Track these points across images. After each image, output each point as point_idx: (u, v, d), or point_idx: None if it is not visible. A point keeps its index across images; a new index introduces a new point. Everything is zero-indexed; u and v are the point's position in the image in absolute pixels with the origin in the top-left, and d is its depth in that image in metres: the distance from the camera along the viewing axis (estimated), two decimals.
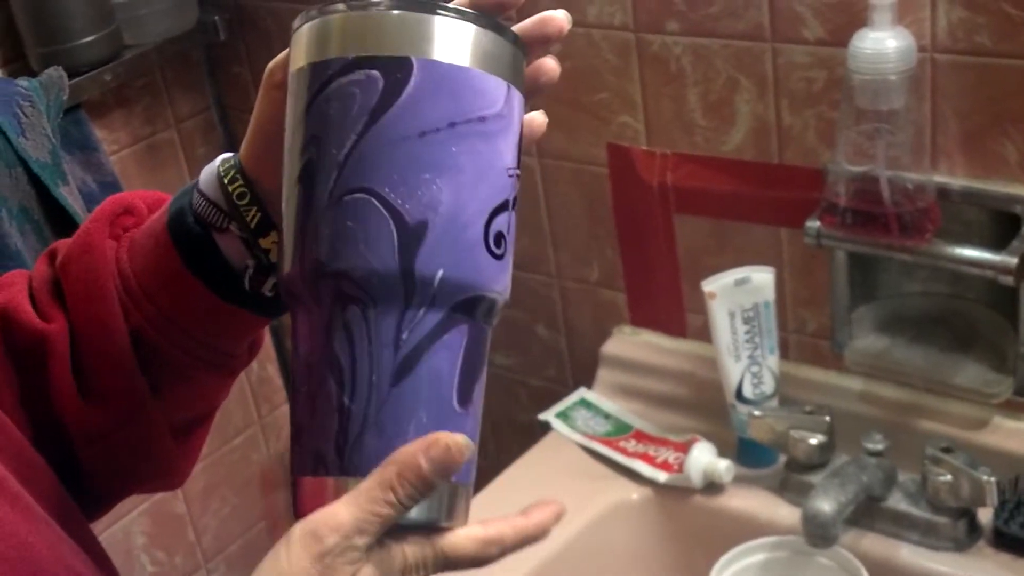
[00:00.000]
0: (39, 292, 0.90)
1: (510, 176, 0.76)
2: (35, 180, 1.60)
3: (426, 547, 0.77)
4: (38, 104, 1.62)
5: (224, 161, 0.87)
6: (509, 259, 0.77)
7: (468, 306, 0.75)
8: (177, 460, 0.96)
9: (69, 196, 1.64)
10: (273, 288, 0.88)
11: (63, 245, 0.92)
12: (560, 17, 0.81)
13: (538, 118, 0.84)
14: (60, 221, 1.64)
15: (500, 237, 0.75)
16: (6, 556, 0.75)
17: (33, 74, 1.68)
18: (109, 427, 0.89)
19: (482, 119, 0.74)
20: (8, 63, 1.76)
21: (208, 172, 0.87)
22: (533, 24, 0.81)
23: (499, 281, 0.76)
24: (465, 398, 0.76)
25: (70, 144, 1.74)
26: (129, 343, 0.88)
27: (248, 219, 0.85)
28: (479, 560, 0.79)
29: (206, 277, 0.87)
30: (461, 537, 0.78)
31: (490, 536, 0.79)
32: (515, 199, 0.77)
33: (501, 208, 0.75)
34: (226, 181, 0.86)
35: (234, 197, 0.85)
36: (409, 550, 0.77)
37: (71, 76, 1.70)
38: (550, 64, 0.82)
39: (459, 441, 0.74)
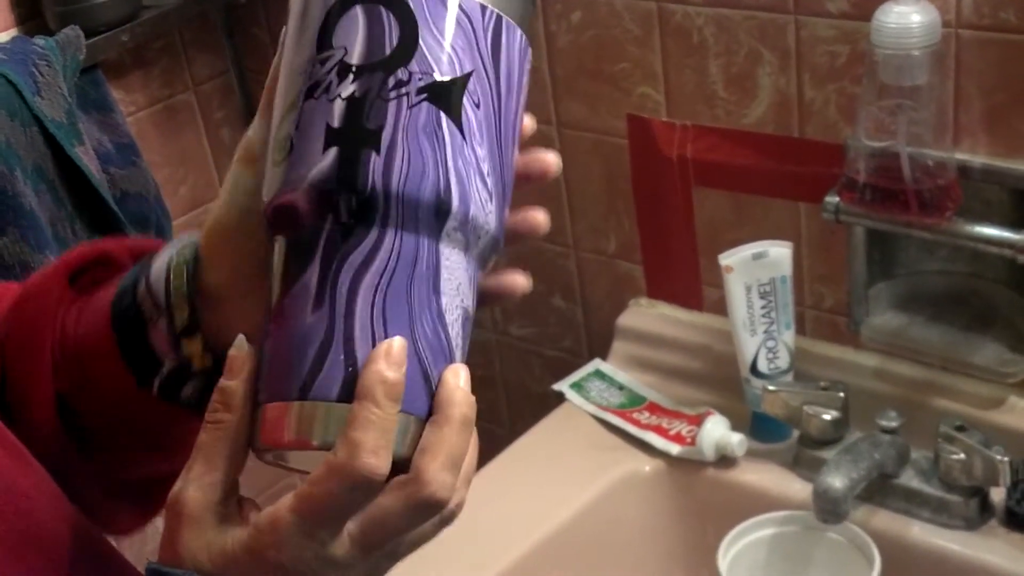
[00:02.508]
0: None
1: (301, 73, 0.71)
2: (50, 140, 1.61)
3: (274, 510, 0.70)
4: (55, 63, 1.62)
5: (183, 248, 0.81)
6: (297, 155, 0.70)
7: (273, 225, 0.73)
8: (116, 515, 0.92)
9: (84, 156, 1.64)
10: (192, 395, 0.83)
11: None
12: (551, 161, 0.77)
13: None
14: (75, 181, 1.65)
15: (286, 139, 0.71)
16: None
17: (50, 33, 1.68)
18: (34, 474, 0.84)
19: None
20: (25, 21, 1.76)
21: (162, 255, 0.82)
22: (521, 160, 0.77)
23: (275, 186, 0.71)
24: (270, 313, 0.72)
25: (87, 104, 1.74)
26: (53, 402, 0.85)
27: (178, 320, 0.81)
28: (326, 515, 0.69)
29: (134, 361, 0.83)
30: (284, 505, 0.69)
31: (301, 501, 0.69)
32: (319, 83, 0.70)
33: (289, 109, 0.71)
34: (172, 275, 0.81)
35: (171, 288, 0.80)
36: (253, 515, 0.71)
37: (88, 36, 1.70)
38: (539, 219, 0.78)
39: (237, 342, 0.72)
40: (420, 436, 0.69)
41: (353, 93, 0.69)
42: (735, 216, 1.68)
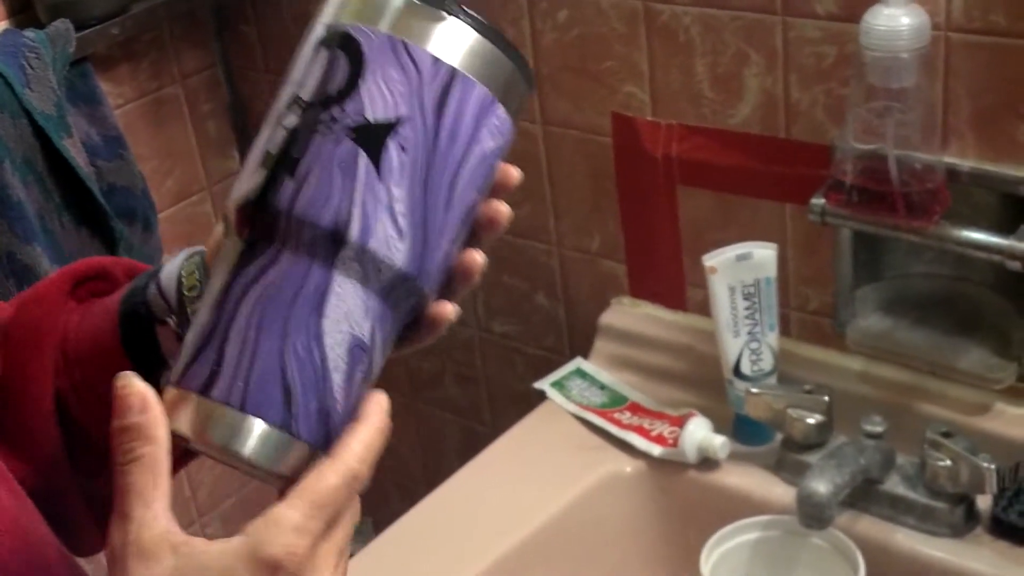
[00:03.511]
0: None
1: (279, 99, 0.75)
2: (39, 132, 1.57)
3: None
4: (44, 56, 1.58)
5: (191, 254, 0.85)
6: (246, 171, 0.74)
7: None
8: (87, 528, 0.90)
9: (72, 148, 1.61)
10: None
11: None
12: (501, 211, 0.78)
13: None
14: (63, 173, 1.61)
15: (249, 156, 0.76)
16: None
17: (40, 26, 1.64)
18: (21, 472, 0.83)
19: None
20: (15, 14, 1.70)
21: (173, 260, 0.85)
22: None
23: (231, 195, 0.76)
24: None
25: (75, 97, 1.69)
26: (52, 401, 0.84)
27: (190, 312, 0.82)
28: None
29: (138, 360, 0.83)
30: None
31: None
32: (278, 111, 0.74)
33: (261, 130, 0.75)
34: (184, 273, 0.84)
35: (185, 289, 0.83)
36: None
37: (78, 29, 1.66)
38: (476, 260, 0.77)
39: None
40: (274, 439, 0.70)
41: (294, 125, 0.72)
42: (720, 216, 1.61)
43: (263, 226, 0.71)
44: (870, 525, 1.44)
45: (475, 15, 0.74)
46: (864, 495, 1.43)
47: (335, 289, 0.71)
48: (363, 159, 0.71)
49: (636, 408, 1.65)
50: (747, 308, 1.51)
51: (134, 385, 0.70)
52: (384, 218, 0.71)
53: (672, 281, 1.70)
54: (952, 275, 1.49)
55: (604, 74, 1.61)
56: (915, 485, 1.42)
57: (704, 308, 1.61)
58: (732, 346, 1.53)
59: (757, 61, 1.48)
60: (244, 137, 2.03)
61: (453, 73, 0.73)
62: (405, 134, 0.72)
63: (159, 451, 0.69)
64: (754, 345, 1.52)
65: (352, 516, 0.72)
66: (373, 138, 0.71)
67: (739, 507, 1.49)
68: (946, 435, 1.37)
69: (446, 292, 0.77)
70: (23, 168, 1.56)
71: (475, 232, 0.77)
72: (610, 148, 1.66)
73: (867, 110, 1.34)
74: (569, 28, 1.61)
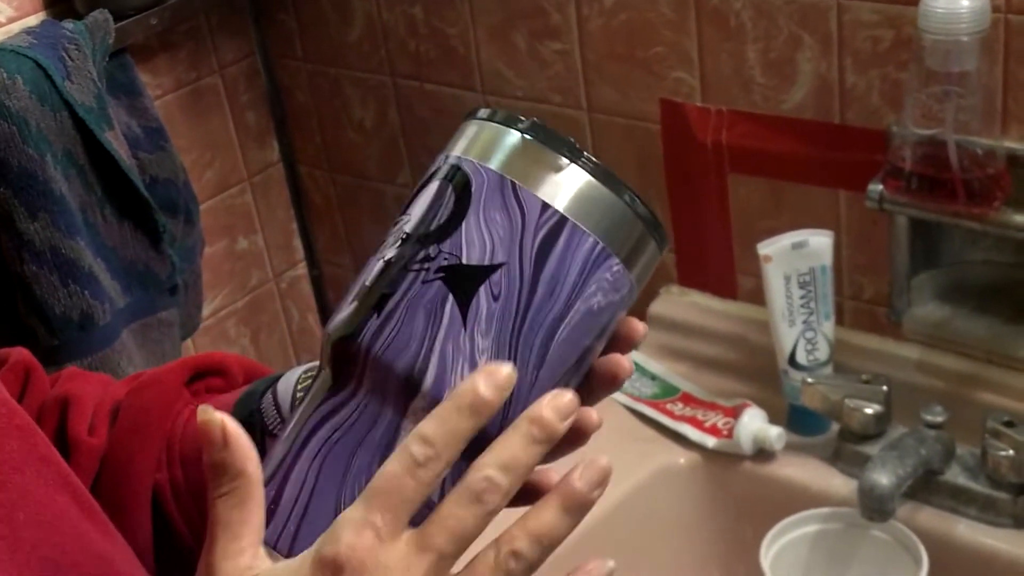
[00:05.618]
0: (101, 407, 0.87)
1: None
2: (80, 125, 1.54)
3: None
4: (84, 47, 1.55)
5: (311, 367, 0.83)
6: (343, 299, 0.71)
7: None
8: None
9: (114, 141, 1.58)
10: None
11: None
12: (622, 366, 0.72)
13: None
14: (105, 166, 1.58)
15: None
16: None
17: (79, 16, 1.61)
18: None
19: None
20: (53, 4, 1.68)
21: (293, 371, 0.84)
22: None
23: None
24: None
25: (115, 88, 1.67)
26: (149, 492, 0.83)
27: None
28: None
29: None
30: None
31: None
32: (383, 242, 0.71)
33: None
34: (299, 387, 0.82)
35: (297, 398, 0.81)
36: None
37: (116, 19, 1.63)
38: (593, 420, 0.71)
39: None
40: None
41: (391, 257, 0.68)
42: (771, 204, 1.57)
43: (345, 361, 0.67)
44: (931, 517, 1.41)
45: (599, 163, 0.68)
46: (924, 486, 1.40)
47: (402, 438, 0.65)
48: (450, 303, 0.66)
49: (688, 399, 1.62)
50: (802, 297, 1.48)
51: (214, 419, 0.65)
52: (463, 369, 0.66)
53: (722, 270, 1.66)
54: (1011, 262, 1.46)
55: (652, 60, 1.58)
56: (976, 476, 1.39)
57: (755, 297, 1.57)
58: (787, 336, 1.50)
59: (811, 45, 1.44)
60: (283, 127, 2.00)
61: (562, 221, 0.67)
62: (498, 281, 0.67)
63: (248, 484, 0.65)
64: (809, 334, 1.49)
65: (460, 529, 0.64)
66: (464, 282, 0.67)
67: (796, 499, 1.46)
68: (1008, 424, 1.34)
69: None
70: (64, 162, 1.54)
71: (593, 383, 0.72)
72: (658, 135, 1.62)
73: (926, 95, 1.31)
74: (616, 13, 1.57)
